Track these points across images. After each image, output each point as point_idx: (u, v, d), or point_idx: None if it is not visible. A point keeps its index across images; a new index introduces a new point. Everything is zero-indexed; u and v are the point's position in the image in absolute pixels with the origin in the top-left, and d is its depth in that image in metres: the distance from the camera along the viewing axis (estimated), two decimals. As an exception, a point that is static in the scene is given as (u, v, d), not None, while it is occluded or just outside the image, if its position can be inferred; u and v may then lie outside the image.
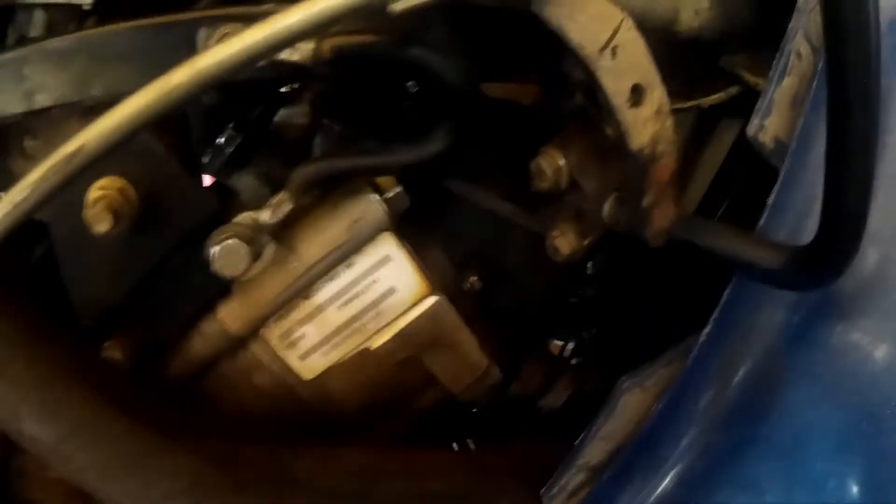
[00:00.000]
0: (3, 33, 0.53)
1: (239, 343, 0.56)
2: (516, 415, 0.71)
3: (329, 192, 0.54)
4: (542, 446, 0.62)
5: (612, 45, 0.44)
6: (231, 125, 0.58)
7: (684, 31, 0.56)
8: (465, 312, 0.58)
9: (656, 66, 0.46)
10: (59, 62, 0.48)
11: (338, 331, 0.57)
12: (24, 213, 0.38)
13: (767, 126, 0.51)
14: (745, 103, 0.52)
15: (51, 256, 0.54)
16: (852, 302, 0.49)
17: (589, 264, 0.68)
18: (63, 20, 0.54)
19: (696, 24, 0.56)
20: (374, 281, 0.56)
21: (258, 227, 0.50)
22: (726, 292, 0.50)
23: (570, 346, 0.73)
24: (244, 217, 0.50)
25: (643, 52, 0.45)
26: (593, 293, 0.70)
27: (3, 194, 0.38)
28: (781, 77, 0.51)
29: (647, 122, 0.46)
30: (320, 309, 0.56)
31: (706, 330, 0.50)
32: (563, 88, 0.52)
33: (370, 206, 0.53)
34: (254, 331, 0.56)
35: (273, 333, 0.56)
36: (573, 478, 0.53)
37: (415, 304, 0.57)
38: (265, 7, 0.46)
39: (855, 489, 0.47)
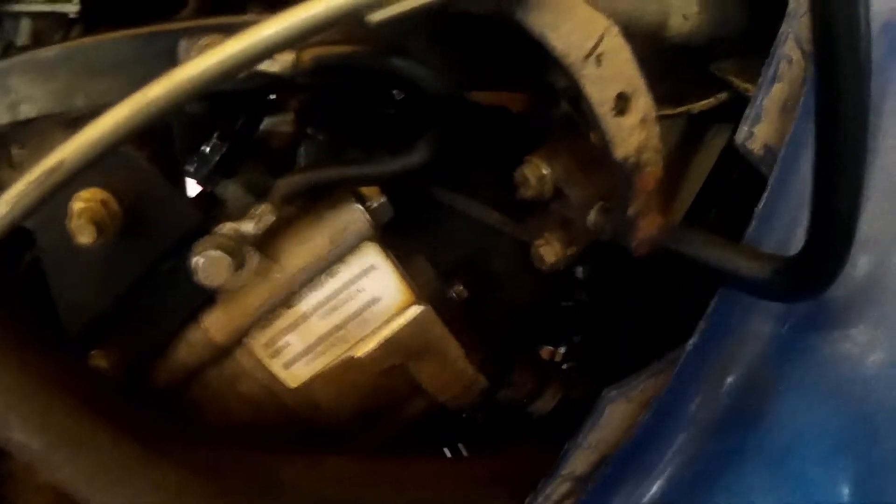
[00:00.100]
0: (-11, 41, 0.54)
1: (224, 352, 0.57)
2: (507, 421, 0.71)
3: (313, 202, 0.54)
4: (531, 454, 0.62)
5: (596, 52, 0.43)
6: (216, 134, 0.58)
7: (673, 37, 0.55)
8: (451, 321, 0.58)
9: (643, 74, 0.45)
10: (44, 74, 0.49)
11: (322, 339, 0.57)
12: (4, 227, 0.38)
13: (756, 133, 0.50)
14: (736, 109, 0.52)
15: (39, 264, 0.55)
16: (844, 310, 0.49)
17: (579, 269, 0.68)
18: (50, 28, 0.54)
19: (685, 30, 0.55)
20: (359, 290, 0.56)
21: (241, 238, 0.50)
22: (713, 301, 0.49)
23: (562, 350, 0.73)
24: (227, 227, 0.50)
25: (629, 60, 0.45)
26: (585, 297, 0.70)
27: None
28: (771, 83, 0.50)
29: (633, 131, 0.46)
30: (305, 318, 0.56)
31: (692, 340, 0.49)
32: (550, 97, 0.52)
33: (353, 216, 0.53)
34: (238, 339, 0.56)
35: (258, 342, 0.56)
36: (558, 487, 0.53)
37: (399, 313, 0.56)
38: (246, 17, 0.46)
39: (847, 497, 0.47)
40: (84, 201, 0.48)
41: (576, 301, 0.70)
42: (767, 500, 0.48)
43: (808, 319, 0.49)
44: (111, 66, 0.48)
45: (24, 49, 0.53)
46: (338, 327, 0.57)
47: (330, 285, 0.55)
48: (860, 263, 0.48)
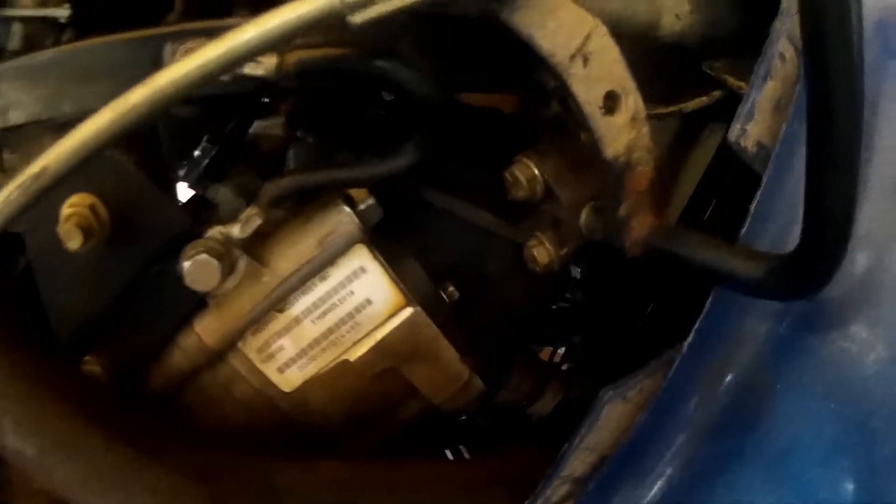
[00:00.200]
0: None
1: (217, 356, 0.56)
2: (506, 422, 0.71)
3: (302, 205, 0.54)
4: (530, 456, 0.61)
5: (583, 52, 0.43)
6: (206, 137, 0.58)
7: (666, 36, 0.55)
8: (443, 323, 0.58)
9: (631, 73, 0.45)
10: (33, 80, 0.49)
11: (315, 343, 0.57)
12: (-10, 233, 0.39)
13: (749, 131, 0.49)
14: (730, 108, 0.51)
15: (31, 269, 0.55)
16: (842, 309, 0.48)
17: (576, 270, 0.67)
18: (41, 33, 0.55)
19: (677, 29, 0.55)
20: (350, 293, 0.55)
21: (229, 242, 0.50)
22: (708, 301, 0.49)
23: (561, 351, 0.73)
24: (215, 232, 0.49)
25: (617, 59, 0.44)
26: (582, 298, 0.69)
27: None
28: (764, 80, 0.50)
29: (622, 130, 0.45)
30: (297, 321, 0.56)
31: (688, 340, 0.49)
32: (541, 97, 0.52)
33: (342, 219, 0.53)
34: (231, 344, 0.56)
35: (251, 346, 0.56)
36: (557, 489, 0.52)
37: (391, 316, 0.56)
38: (230, 21, 0.46)
39: (847, 497, 0.46)
40: (72, 207, 0.48)
41: (572, 301, 0.70)
42: (767, 500, 0.47)
43: (806, 318, 0.48)
44: (98, 72, 0.48)
45: (16, 54, 0.53)
46: (330, 331, 0.57)
47: (321, 288, 0.55)
48: (858, 261, 0.48)
